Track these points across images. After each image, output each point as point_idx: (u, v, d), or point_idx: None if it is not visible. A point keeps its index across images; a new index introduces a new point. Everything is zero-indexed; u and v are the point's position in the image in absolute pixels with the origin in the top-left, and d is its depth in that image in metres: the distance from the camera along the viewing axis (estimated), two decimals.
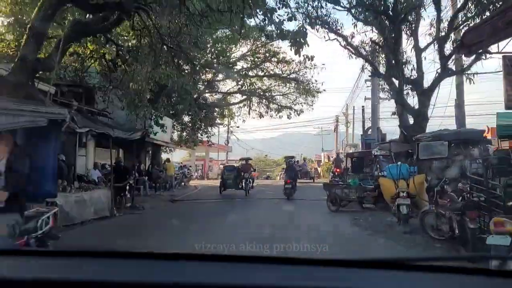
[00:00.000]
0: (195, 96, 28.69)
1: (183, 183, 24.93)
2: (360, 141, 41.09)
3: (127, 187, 14.63)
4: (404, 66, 15.16)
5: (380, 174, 13.24)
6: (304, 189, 21.26)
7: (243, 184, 19.87)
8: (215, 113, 32.39)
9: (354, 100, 43.17)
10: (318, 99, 29.58)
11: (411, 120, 15.28)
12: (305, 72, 27.96)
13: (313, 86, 28.36)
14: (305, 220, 11.61)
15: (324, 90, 29.00)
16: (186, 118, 28.94)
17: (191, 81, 24.79)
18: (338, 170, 25.39)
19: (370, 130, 21.81)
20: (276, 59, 27.22)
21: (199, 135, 30.57)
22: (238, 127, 52.90)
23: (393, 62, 15.05)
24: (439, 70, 14.20)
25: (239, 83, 29.97)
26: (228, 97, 33.07)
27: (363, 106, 45.19)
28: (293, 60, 26.77)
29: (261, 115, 29.30)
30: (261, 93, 28.96)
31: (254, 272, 1.37)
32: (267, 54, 27.63)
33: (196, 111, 27.76)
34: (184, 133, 28.95)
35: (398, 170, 10.90)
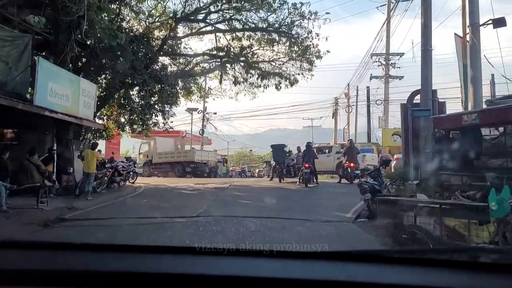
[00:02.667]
0: (144, 60, 20.11)
1: (119, 183, 16.29)
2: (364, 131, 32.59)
3: None
4: None
5: None
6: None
7: None
8: (177, 87, 23.66)
9: (361, 77, 35.08)
10: (317, 65, 21.02)
11: None
12: (301, 23, 19.47)
13: (311, 43, 19.72)
14: None
15: (328, 51, 20.53)
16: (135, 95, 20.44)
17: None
18: (352, 164, 17.06)
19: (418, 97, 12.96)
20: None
21: (153, 117, 21.96)
22: (215, 113, 44.55)
23: None
24: None
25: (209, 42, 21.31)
26: (196, 67, 24.33)
27: (368, 87, 37.34)
28: (284, 1, 18.27)
29: (236, 81, 20.53)
30: (238, 54, 20.12)
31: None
32: None
33: (146, 81, 19.11)
34: (134, 115, 20.32)
35: None
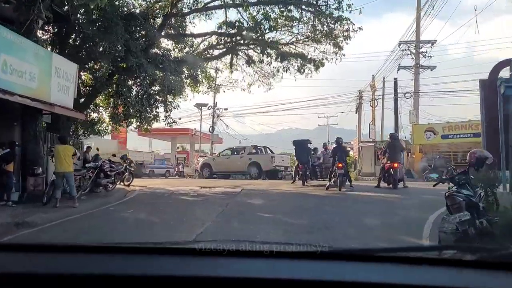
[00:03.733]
0: (142, 42, 17.04)
1: (106, 186, 13.22)
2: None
3: None
4: None
5: None
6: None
7: None
8: (182, 75, 20.54)
9: (387, 70, 31.66)
10: (348, 43, 17.58)
11: None
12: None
13: (339, 15, 16.15)
14: None
15: (360, 28, 17.14)
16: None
17: None
18: (396, 164, 13.71)
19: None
20: None
21: (154, 109, 18.86)
22: (226, 109, 41.31)
23: None
24: None
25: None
26: (204, 52, 21.14)
27: (395, 78, 33.77)
28: None
29: (250, 60, 17.13)
30: (252, 28, 16.59)
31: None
32: None
33: (144, 65, 15.97)
34: (129, 106, 17.24)
35: None
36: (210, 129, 39.58)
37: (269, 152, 26.33)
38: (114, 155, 15.27)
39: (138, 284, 1.26)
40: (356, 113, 32.73)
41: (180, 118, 44.21)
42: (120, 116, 17.57)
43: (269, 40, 16.33)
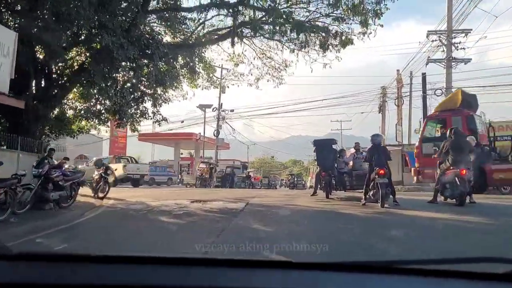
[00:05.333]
0: (121, 18, 13.46)
1: (57, 202, 9.56)
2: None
3: None
4: None
5: None
6: None
7: None
8: (177, 65, 16.98)
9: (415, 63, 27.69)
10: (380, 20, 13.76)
11: None
12: None
13: None
14: None
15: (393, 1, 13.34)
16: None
17: None
18: (464, 171, 9.79)
19: None
20: None
21: (140, 104, 15.24)
22: (232, 110, 37.46)
23: None
24: None
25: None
26: (204, 38, 17.46)
27: (423, 73, 29.79)
28: None
29: (257, 27, 12.98)
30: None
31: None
32: None
33: (124, 47, 12.31)
34: (104, 99, 13.60)
35: None
36: (215, 133, 35.89)
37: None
38: (66, 159, 11.60)
39: None
40: (379, 112, 28.80)
41: (182, 121, 40.90)
42: (93, 110, 14.00)
43: (282, 11, 12.51)
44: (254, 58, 18.76)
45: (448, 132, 10.85)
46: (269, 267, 1.40)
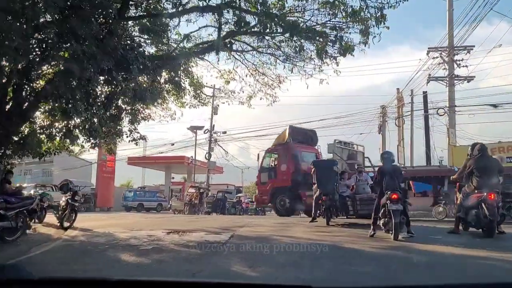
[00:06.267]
0: (94, 24, 11.94)
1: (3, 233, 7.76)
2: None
3: None
4: None
5: None
6: None
7: None
8: (160, 79, 15.46)
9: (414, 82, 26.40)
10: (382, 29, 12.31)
11: None
12: None
13: None
14: None
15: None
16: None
17: None
18: (492, 195, 8.18)
19: None
20: None
21: (117, 121, 13.60)
22: (224, 132, 35.75)
23: None
24: None
25: None
26: (191, 50, 15.96)
27: (424, 92, 28.43)
28: None
29: (241, 22, 11.22)
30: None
31: None
32: None
33: (96, 56, 10.72)
34: (71, 114, 11.92)
35: None
36: (206, 156, 34.15)
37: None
38: (7, 182, 9.85)
39: None
40: (379, 133, 27.26)
41: (173, 144, 39.23)
42: (59, 128, 12.30)
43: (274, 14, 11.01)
44: (246, 75, 17.34)
45: (470, 150, 9.20)
46: None
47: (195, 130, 34.30)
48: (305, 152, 18.57)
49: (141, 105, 14.35)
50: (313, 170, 11.93)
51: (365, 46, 12.97)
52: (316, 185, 11.33)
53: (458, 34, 24.62)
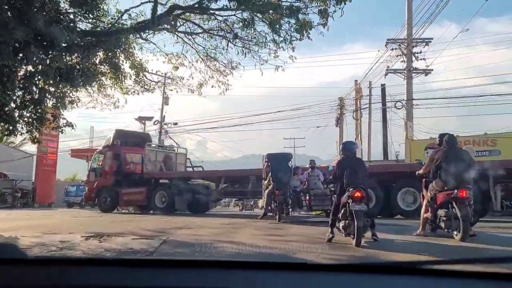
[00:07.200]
0: None
1: None
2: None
3: None
4: None
5: None
6: None
7: None
8: (95, 59, 13.56)
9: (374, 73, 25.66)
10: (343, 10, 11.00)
11: None
12: None
13: None
14: None
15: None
16: None
17: None
18: (464, 192, 7.03)
19: None
20: None
21: (38, 104, 11.61)
22: (175, 123, 33.67)
23: None
24: None
25: None
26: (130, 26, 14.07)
27: (383, 85, 27.80)
28: None
29: None
30: None
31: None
32: None
33: (11, 26, 8.81)
34: None
35: None
36: None
37: None
38: None
39: None
40: (336, 126, 26.35)
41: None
42: None
43: None
44: (197, 61, 15.73)
45: (438, 142, 8.08)
46: (285, 269, 1.35)
47: (143, 121, 32.09)
48: (131, 153, 20.09)
49: (69, 87, 12.44)
50: (266, 164, 10.81)
51: (324, 27, 11.72)
52: (268, 179, 10.13)
53: (416, 29, 24.06)
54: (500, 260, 1.38)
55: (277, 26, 9.77)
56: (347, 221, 6.72)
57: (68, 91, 12.47)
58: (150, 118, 31.55)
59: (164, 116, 31.34)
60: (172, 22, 13.43)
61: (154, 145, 20.48)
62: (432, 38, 24.60)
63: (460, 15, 27.06)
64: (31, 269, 1.42)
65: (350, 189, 6.73)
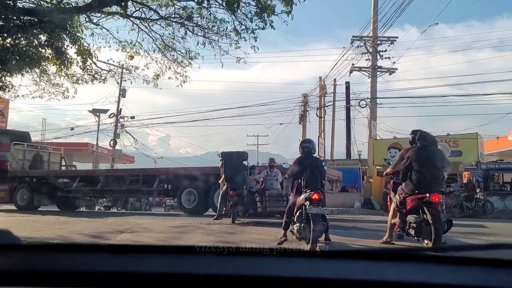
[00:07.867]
0: None
1: None
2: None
3: None
4: None
5: None
6: None
7: None
8: (34, 39, 12.26)
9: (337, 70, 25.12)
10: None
11: None
12: None
13: None
14: None
15: None
16: None
17: None
18: (436, 196, 6.30)
19: None
20: None
21: None
22: (132, 117, 31.99)
23: None
24: None
25: None
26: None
27: (347, 82, 27.41)
28: None
29: None
30: None
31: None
32: None
33: None
34: None
35: None
36: (111, 143, 30.40)
37: None
38: None
39: (140, 282, 1.21)
40: (300, 123, 25.75)
41: (72, 129, 34.69)
42: None
43: None
44: (154, 51, 14.64)
45: (410, 139, 7.37)
46: (296, 256, 1.37)
47: (98, 114, 30.36)
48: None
49: (2, 71, 11.07)
50: (221, 162, 9.96)
51: (288, 15, 10.91)
52: (222, 178, 9.28)
53: (381, 28, 23.78)
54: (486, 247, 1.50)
55: (235, 5, 8.83)
56: (302, 224, 5.94)
57: (0, 75, 11.09)
58: (105, 111, 29.87)
59: (121, 109, 29.77)
60: (122, 3, 12.28)
61: (23, 144, 20.94)
62: (397, 37, 24.44)
63: (421, 21, 27.16)
64: (24, 255, 1.38)
65: (307, 191, 5.95)
